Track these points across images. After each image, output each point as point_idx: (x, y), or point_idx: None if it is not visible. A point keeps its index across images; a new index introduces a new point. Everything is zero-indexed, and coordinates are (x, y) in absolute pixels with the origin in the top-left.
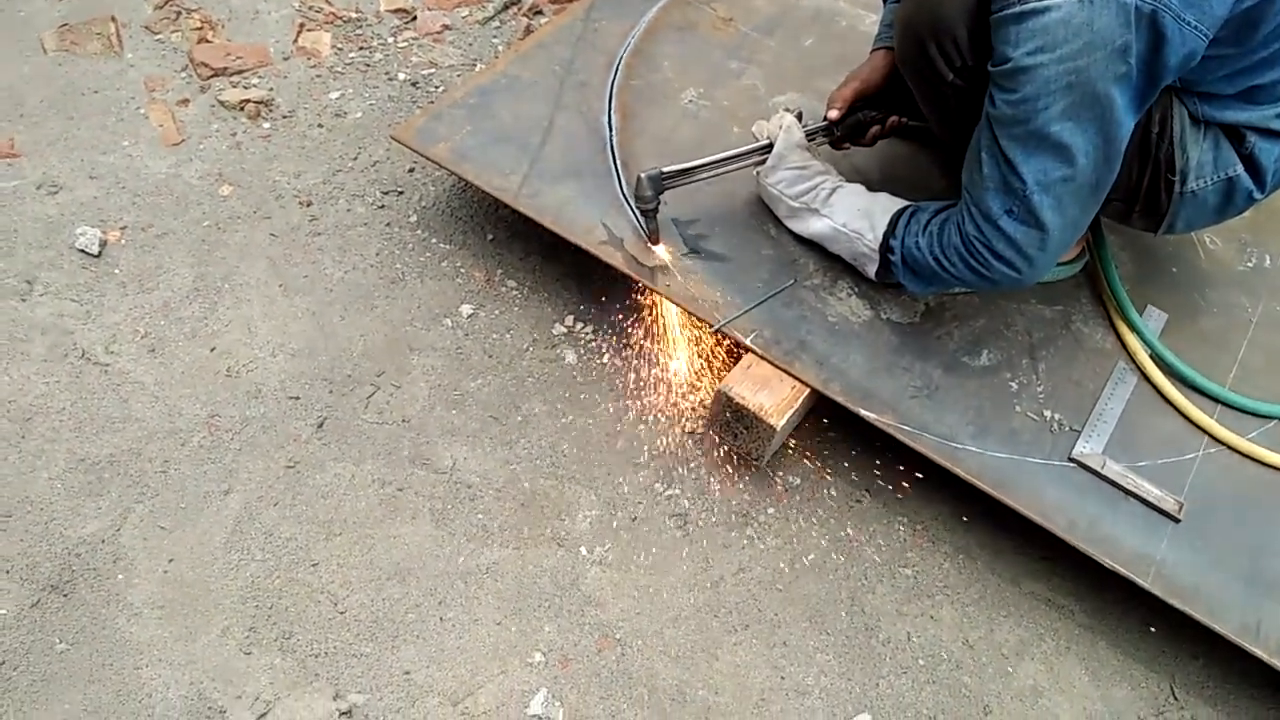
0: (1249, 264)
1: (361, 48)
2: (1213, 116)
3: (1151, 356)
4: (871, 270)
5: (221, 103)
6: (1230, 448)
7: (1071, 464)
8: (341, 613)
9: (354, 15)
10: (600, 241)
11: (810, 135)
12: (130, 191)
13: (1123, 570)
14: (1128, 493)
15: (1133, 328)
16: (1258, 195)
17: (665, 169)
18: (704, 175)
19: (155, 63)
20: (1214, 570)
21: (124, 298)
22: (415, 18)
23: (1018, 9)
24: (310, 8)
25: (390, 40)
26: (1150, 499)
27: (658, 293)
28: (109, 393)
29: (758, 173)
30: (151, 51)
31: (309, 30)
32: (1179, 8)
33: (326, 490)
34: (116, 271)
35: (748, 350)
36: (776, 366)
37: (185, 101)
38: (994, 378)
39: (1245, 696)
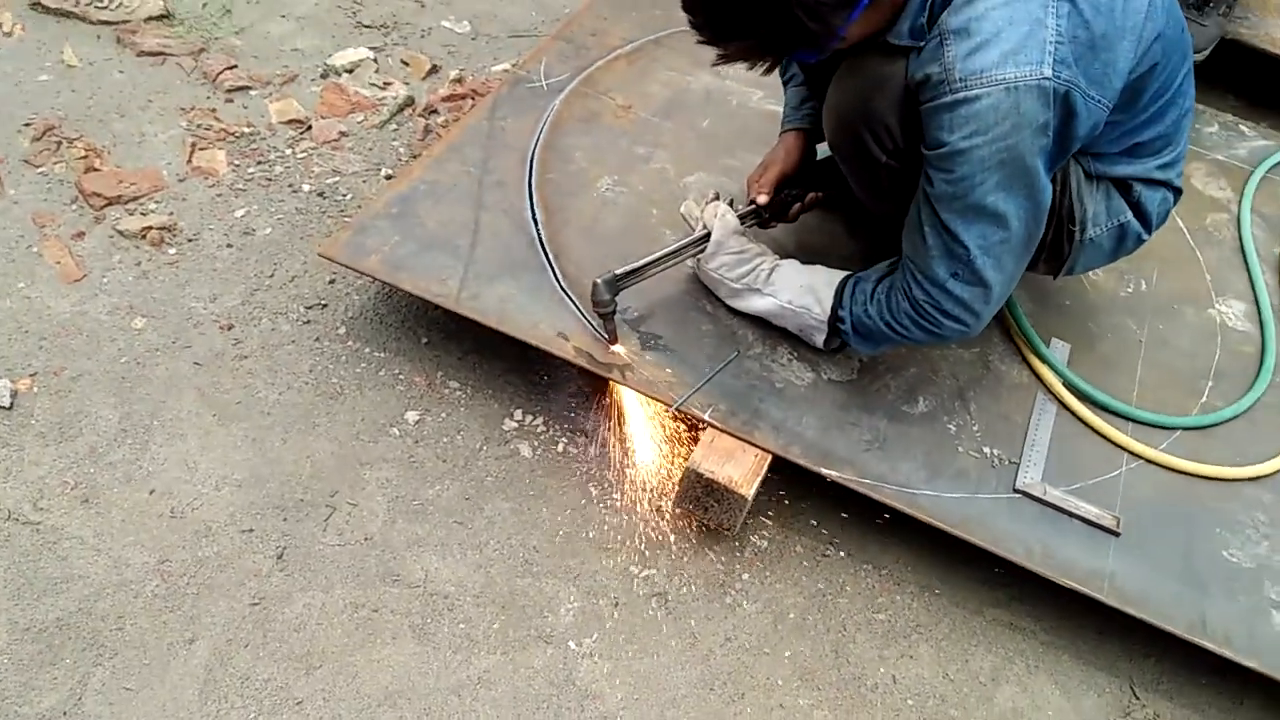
0: (1129, 290)
1: (259, 162)
2: (1103, 172)
3: (1065, 385)
4: (819, 340)
5: (120, 232)
6: (1147, 460)
7: (1017, 494)
8: None
9: (246, 130)
10: (556, 335)
11: (742, 219)
12: (35, 335)
13: (1081, 588)
14: (1070, 514)
15: (1044, 360)
16: (1145, 236)
17: (618, 271)
18: (654, 271)
19: (41, 197)
20: (1157, 575)
21: (45, 448)
22: (310, 127)
23: (949, 99)
24: (199, 125)
25: (288, 152)
26: (1090, 517)
27: (614, 381)
28: (45, 552)
29: (698, 260)
30: (35, 186)
31: (202, 149)
32: (1086, 86)
33: (298, 623)
34: (33, 421)
35: (708, 425)
36: (737, 438)
37: (80, 234)
38: (934, 422)
39: (1196, 685)
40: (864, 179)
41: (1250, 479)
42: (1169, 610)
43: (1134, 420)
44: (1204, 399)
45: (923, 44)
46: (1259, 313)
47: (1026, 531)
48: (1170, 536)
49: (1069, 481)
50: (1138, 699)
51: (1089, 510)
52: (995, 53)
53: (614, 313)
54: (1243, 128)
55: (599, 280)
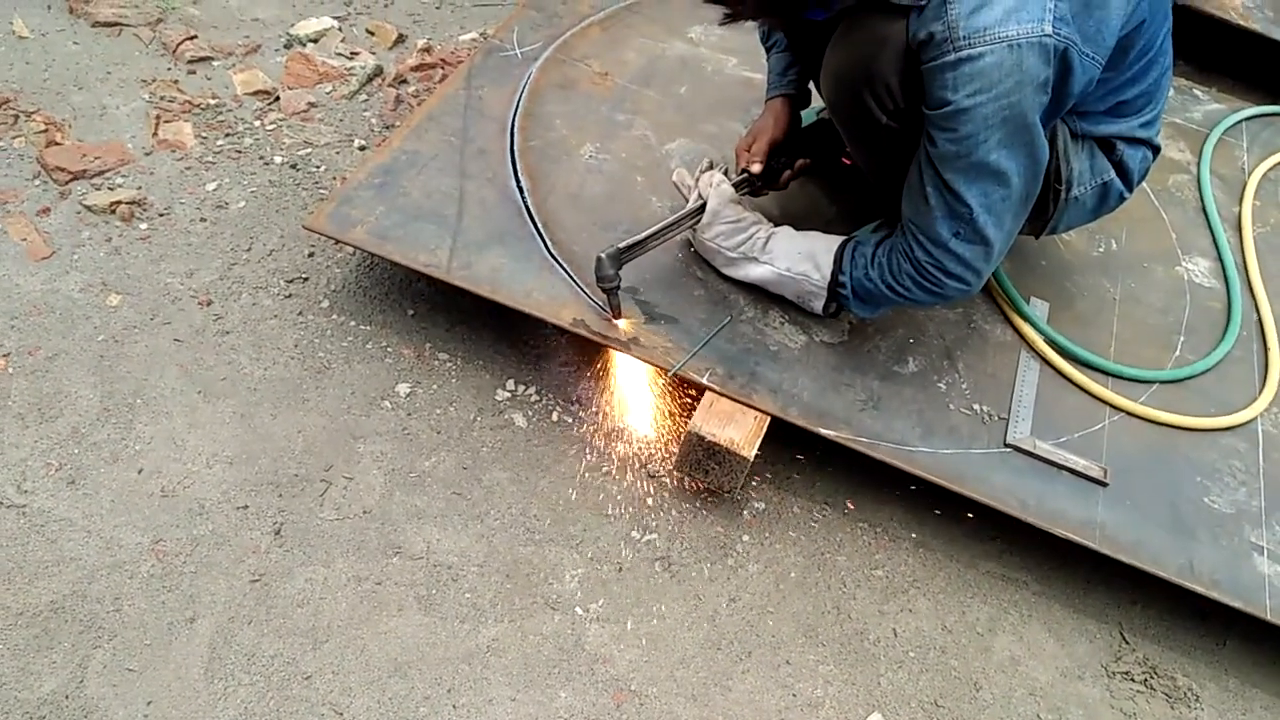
0: (1100, 250)
1: (228, 134)
2: (1088, 131)
3: (1047, 342)
4: (818, 306)
5: (88, 207)
6: (1129, 413)
7: (1008, 449)
8: None
9: (211, 102)
10: (550, 303)
11: (735, 187)
12: (5, 315)
13: (1075, 538)
14: (1060, 467)
15: (1026, 319)
16: (1127, 195)
17: (621, 245)
18: (655, 244)
19: (1, 173)
20: (1145, 523)
21: (25, 430)
22: (277, 98)
23: (952, 57)
24: (162, 98)
25: (256, 124)
26: (1079, 469)
27: (612, 347)
28: (33, 535)
29: (693, 230)
30: None
31: (167, 121)
32: (1081, 43)
33: (301, 598)
34: (10, 403)
35: (707, 389)
36: (737, 401)
37: (46, 211)
38: (924, 381)
39: (1180, 630)
40: (863, 140)
41: (1226, 428)
42: (1158, 557)
43: (1114, 375)
44: (1177, 353)
45: (924, 3)
46: (1223, 270)
47: (1019, 484)
48: (1155, 486)
49: (1056, 435)
50: (1127, 643)
51: (1077, 462)
52: (998, 10)
53: (618, 287)
54: (1196, 91)
55: (603, 255)
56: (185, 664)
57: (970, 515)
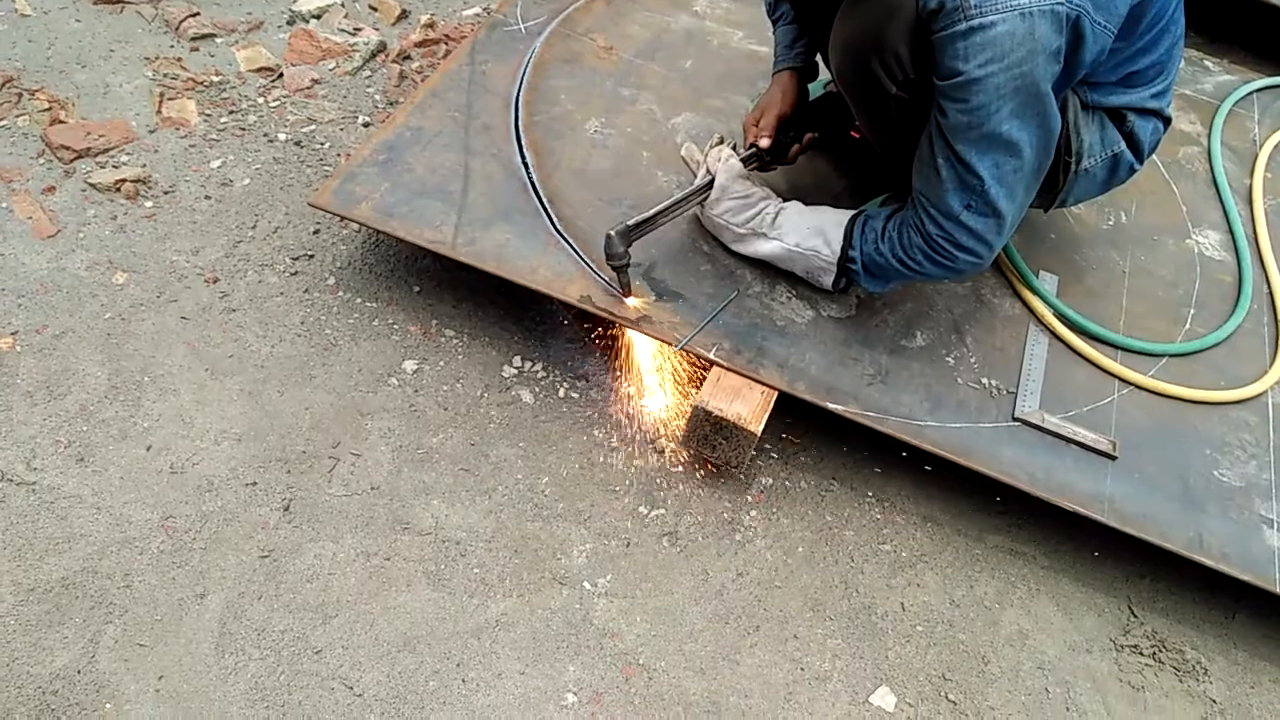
0: (1109, 223)
1: (232, 111)
2: (1099, 102)
3: (1056, 315)
4: (828, 281)
5: (93, 185)
6: (1138, 386)
7: (1017, 423)
8: (359, 695)
9: (215, 79)
10: (556, 278)
11: (744, 162)
12: (12, 293)
13: (1084, 511)
14: (1069, 440)
15: (1035, 292)
16: (1137, 167)
17: (630, 222)
18: (664, 220)
19: (6, 152)
20: (1153, 496)
21: (34, 408)
22: (281, 75)
23: (964, 26)
24: (166, 75)
25: (260, 101)
26: (1088, 442)
27: (619, 322)
28: (43, 512)
29: (702, 206)
30: None
31: (170, 99)
32: (1093, 11)
33: (310, 573)
34: (19, 381)
35: (714, 364)
36: (743, 375)
37: (51, 189)
38: (932, 355)
39: (1189, 602)
40: (871, 111)
41: (1236, 401)
42: (1167, 530)
43: (1123, 348)
44: (1187, 326)
45: None
46: (1234, 242)
47: (1028, 458)
48: (1164, 459)
49: (1064, 409)
50: (1136, 617)
51: (1086, 435)
52: None
53: (628, 265)
54: (1207, 63)
55: (612, 232)
56: (196, 639)
57: (984, 499)
